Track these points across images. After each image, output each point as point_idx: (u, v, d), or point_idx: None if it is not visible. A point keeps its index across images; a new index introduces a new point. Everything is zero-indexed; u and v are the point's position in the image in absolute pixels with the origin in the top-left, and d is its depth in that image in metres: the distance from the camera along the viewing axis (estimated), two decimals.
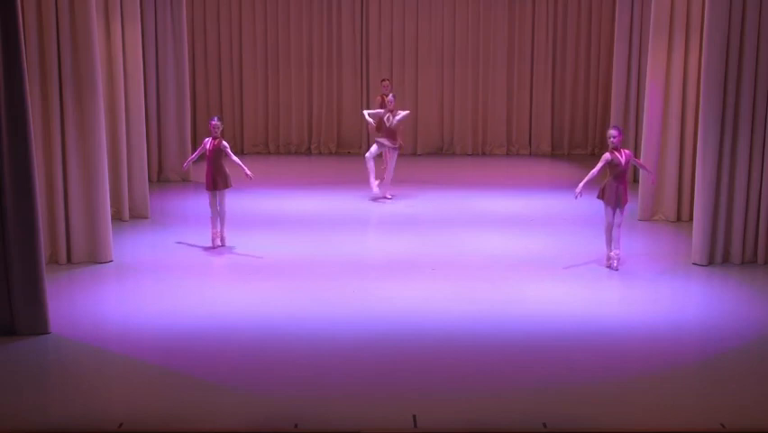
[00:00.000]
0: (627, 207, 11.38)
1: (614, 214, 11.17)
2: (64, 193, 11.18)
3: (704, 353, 9.06)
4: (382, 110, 14.87)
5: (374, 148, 14.92)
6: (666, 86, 13.47)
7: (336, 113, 19.86)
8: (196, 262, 11.71)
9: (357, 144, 19.66)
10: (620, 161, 11.05)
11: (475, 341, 9.08)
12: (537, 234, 13.13)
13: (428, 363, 8.59)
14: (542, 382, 8.14)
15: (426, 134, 19.92)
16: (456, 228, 13.49)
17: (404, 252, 12.22)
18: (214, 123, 12.10)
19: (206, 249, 12.14)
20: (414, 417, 7.37)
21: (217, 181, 12.01)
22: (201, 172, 12.94)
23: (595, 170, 11.09)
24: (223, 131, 12.37)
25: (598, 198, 11.28)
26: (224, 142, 12.08)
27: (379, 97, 15.37)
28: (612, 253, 11.27)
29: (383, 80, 15.83)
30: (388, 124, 14.73)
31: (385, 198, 15.08)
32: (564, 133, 19.96)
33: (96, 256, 11.41)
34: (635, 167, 13.78)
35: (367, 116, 15.25)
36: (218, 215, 12.12)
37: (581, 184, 11.04)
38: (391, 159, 14.95)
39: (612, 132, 11.13)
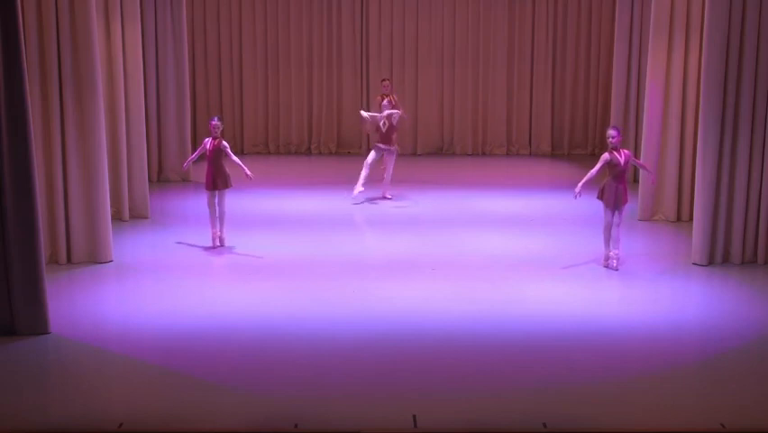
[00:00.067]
0: (627, 206, 11.39)
1: (613, 214, 11.17)
2: (64, 193, 11.18)
3: (704, 353, 9.06)
4: (378, 114, 14.83)
5: (373, 154, 14.88)
6: (666, 86, 13.47)
7: (336, 113, 19.86)
8: (196, 262, 11.71)
9: (357, 144, 19.65)
10: (619, 162, 11.05)
11: (475, 341, 9.08)
12: (537, 234, 13.13)
13: (428, 363, 8.59)
14: (542, 382, 8.14)
15: (426, 134, 19.92)
16: (456, 228, 13.49)
17: (404, 252, 12.22)
18: (214, 123, 12.10)
19: (206, 249, 12.14)
20: (414, 417, 7.37)
21: (217, 181, 12.01)
22: (201, 172, 12.94)
23: (594, 170, 11.09)
24: (223, 131, 12.37)
25: (598, 198, 11.28)
26: (224, 143, 12.08)
27: (379, 97, 15.38)
28: (611, 253, 11.27)
29: (383, 80, 15.83)
30: (384, 129, 14.73)
31: (385, 197, 15.08)
32: (564, 133, 19.96)
33: (95, 256, 11.41)
34: (635, 167, 13.80)
35: (363, 114, 15.24)
36: (217, 214, 12.12)
37: (580, 184, 11.05)
38: (390, 161, 14.95)
39: (611, 132, 11.14)
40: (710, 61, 11.08)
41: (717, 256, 11.54)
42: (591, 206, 12.41)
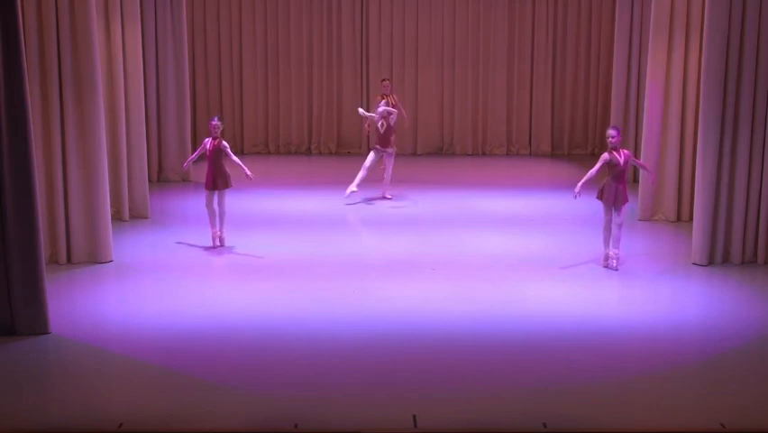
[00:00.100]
0: (627, 206, 11.38)
1: (613, 214, 11.18)
2: (64, 193, 11.18)
3: (704, 353, 9.06)
4: (375, 115, 14.79)
5: (372, 155, 14.84)
6: (666, 86, 13.47)
7: (336, 113, 19.86)
8: (196, 262, 11.71)
9: (357, 144, 19.65)
10: (619, 162, 11.05)
11: (475, 341, 9.08)
12: (537, 234, 13.13)
13: (428, 363, 8.59)
14: (542, 382, 8.14)
15: (426, 134, 19.92)
16: (456, 228, 13.49)
17: (404, 252, 12.22)
18: (214, 123, 12.10)
19: (206, 249, 12.14)
20: (414, 417, 7.37)
21: (217, 181, 12.01)
22: (201, 172, 12.95)
23: (594, 170, 11.09)
24: (223, 131, 12.37)
25: (598, 198, 11.28)
26: (224, 143, 12.08)
27: (378, 97, 15.37)
28: (611, 253, 11.27)
29: (383, 80, 15.83)
30: (382, 130, 14.71)
31: (385, 197, 15.08)
32: (564, 133, 19.96)
33: (96, 256, 11.41)
34: (635, 167, 13.80)
35: (361, 111, 15.19)
36: (216, 214, 12.12)
37: (580, 184, 11.05)
38: (389, 162, 14.94)
39: (611, 132, 11.14)
40: (710, 61, 11.08)
41: (717, 256, 11.55)
42: (591, 206, 12.41)
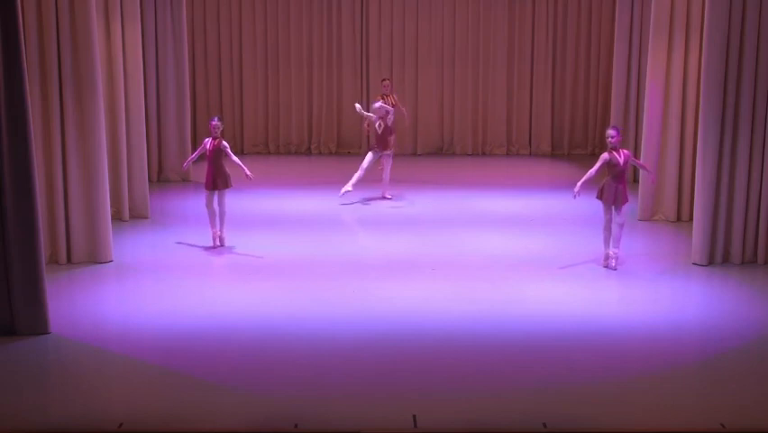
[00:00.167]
0: (627, 206, 11.38)
1: (613, 213, 11.18)
2: (64, 193, 11.18)
3: (704, 353, 9.06)
4: (373, 115, 14.77)
5: (370, 156, 14.81)
6: (666, 86, 13.47)
7: (336, 113, 19.86)
8: (196, 262, 11.71)
9: (357, 144, 19.65)
10: (619, 162, 11.05)
11: (475, 341, 9.08)
12: (537, 234, 13.13)
13: (428, 363, 8.59)
14: (542, 382, 8.14)
15: (426, 134, 19.92)
16: (456, 228, 13.49)
17: (404, 252, 12.22)
18: (214, 123, 12.10)
19: (206, 249, 12.14)
20: (414, 417, 7.37)
21: (217, 181, 12.01)
22: (201, 172, 12.95)
23: (593, 170, 11.08)
24: (223, 131, 12.37)
25: (597, 198, 11.29)
26: (224, 143, 12.08)
27: (378, 97, 15.36)
28: (611, 252, 11.28)
29: (383, 80, 15.83)
30: (379, 131, 14.70)
31: (385, 197, 15.08)
32: (564, 133, 19.96)
33: (96, 256, 11.42)
34: (635, 167, 13.79)
35: (358, 106, 15.10)
36: (216, 214, 12.12)
37: (579, 183, 11.05)
38: (387, 162, 14.93)
39: (610, 132, 11.14)
40: (710, 61, 11.08)
41: (717, 256, 11.55)
42: (591, 206, 12.41)
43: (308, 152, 19.84)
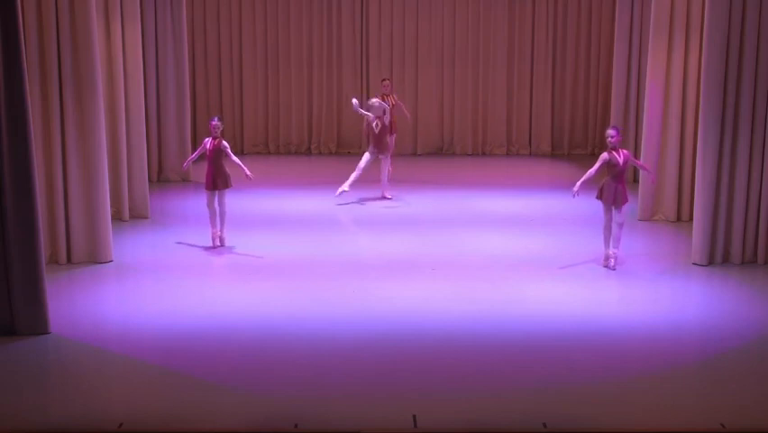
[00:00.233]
0: (627, 206, 11.38)
1: (613, 213, 11.18)
2: (64, 193, 11.18)
3: (704, 353, 9.06)
4: (370, 114, 14.75)
5: (367, 156, 14.78)
6: (666, 86, 13.47)
7: (336, 113, 19.86)
8: (196, 262, 11.71)
9: (357, 144, 19.62)
10: (618, 162, 11.05)
11: (475, 341, 9.08)
12: (537, 234, 13.13)
13: (428, 363, 8.59)
14: (542, 382, 8.14)
15: (426, 134, 19.91)
16: (456, 228, 13.49)
17: (404, 252, 12.22)
18: (214, 123, 12.10)
19: (206, 249, 12.14)
20: (414, 417, 7.37)
21: (217, 181, 12.01)
22: (201, 172, 12.95)
23: (593, 170, 11.08)
24: (223, 131, 12.37)
25: (597, 198, 11.29)
26: (224, 143, 12.08)
27: (378, 97, 15.36)
28: (610, 252, 11.28)
29: (383, 80, 15.82)
30: (377, 131, 14.68)
31: (384, 197, 15.08)
32: (564, 133, 19.96)
33: (96, 256, 11.42)
34: (634, 167, 13.79)
35: (355, 102, 15.02)
36: (217, 214, 12.12)
37: (579, 183, 11.05)
38: (385, 163, 14.93)
39: (610, 132, 11.14)
40: (710, 61, 11.08)
41: (717, 256, 11.54)
42: (591, 206, 12.41)
43: (308, 152, 19.83)
